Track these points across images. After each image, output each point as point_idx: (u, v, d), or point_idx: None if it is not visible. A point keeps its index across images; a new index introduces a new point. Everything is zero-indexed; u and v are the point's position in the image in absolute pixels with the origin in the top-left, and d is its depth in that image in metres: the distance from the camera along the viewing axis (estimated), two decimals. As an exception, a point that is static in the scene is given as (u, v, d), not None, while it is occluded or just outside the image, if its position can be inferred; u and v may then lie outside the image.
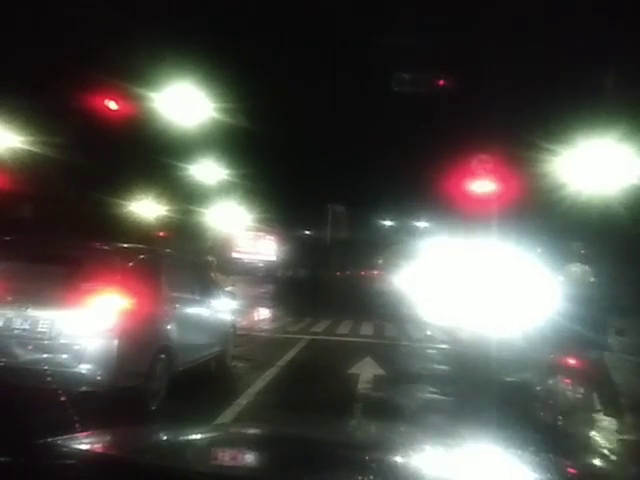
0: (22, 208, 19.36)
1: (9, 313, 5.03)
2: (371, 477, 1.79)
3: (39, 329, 4.95)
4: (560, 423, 5.73)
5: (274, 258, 45.61)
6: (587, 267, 6.17)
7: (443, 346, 11.95)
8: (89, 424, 2.25)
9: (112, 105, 12.60)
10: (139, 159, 21.24)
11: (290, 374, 8.07)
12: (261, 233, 44.16)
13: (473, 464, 2.09)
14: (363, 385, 7.40)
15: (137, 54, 14.31)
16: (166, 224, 27.68)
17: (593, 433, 5.79)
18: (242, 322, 11.42)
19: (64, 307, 5.06)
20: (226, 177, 25.43)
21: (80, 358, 4.92)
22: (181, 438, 2.26)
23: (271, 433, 2.53)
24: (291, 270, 43.11)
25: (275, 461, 1.98)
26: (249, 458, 2.15)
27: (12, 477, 1.53)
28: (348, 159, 41.10)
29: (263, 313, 19.16)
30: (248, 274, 34.24)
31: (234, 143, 22.35)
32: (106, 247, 6.20)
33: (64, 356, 4.91)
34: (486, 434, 4.91)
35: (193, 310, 6.90)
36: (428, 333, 14.29)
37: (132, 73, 13.57)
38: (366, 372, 8.10)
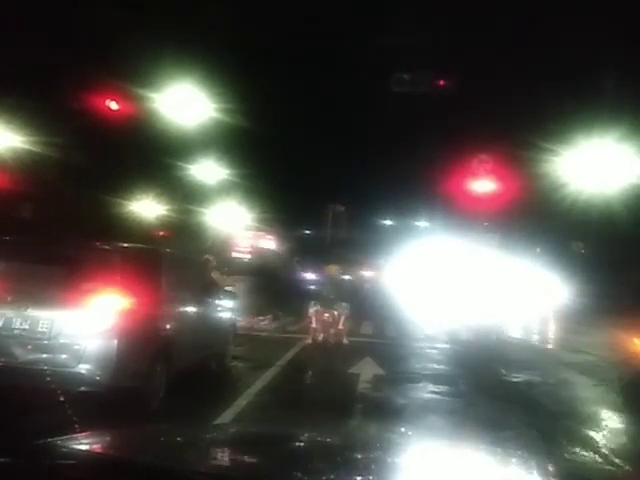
0: (22, 208, 19.34)
1: (9, 313, 5.03)
2: (371, 477, 1.79)
3: (39, 329, 4.95)
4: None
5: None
6: None
7: (443, 346, 11.95)
8: (89, 424, 2.25)
9: (113, 105, 12.62)
10: (139, 159, 21.23)
11: (290, 374, 8.06)
12: (261, 233, 44.10)
13: (473, 464, 2.09)
14: (363, 385, 7.40)
15: (138, 54, 14.33)
16: (166, 224, 27.65)
17: (593, 433, 5.79)
18: (242, 322, 11.41)
19: (64, 307, 5.06)
20: (226, 177, 25.43)
21: (80, 358, 4.92)
22: (181, 438, 2.26)
23: (271, 433, 2.53)
24: (291, 270, 43.05)
25: (275, 461, 1.98)
26: (249, 458, 2.14)
27: (12, 477, 1.53)
28: (348, 159, 41.14)
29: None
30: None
31: (234, 143, 22.35)
32: (106, 247, 6.19)
33: (64, 356, 4.91)
34: (486, 434, 4.92)
35: (193, 310, 6.89)
36: (428, 333, 14.28)
37: (133, 73, 13.59)
38: (366, 372, 8.09)
